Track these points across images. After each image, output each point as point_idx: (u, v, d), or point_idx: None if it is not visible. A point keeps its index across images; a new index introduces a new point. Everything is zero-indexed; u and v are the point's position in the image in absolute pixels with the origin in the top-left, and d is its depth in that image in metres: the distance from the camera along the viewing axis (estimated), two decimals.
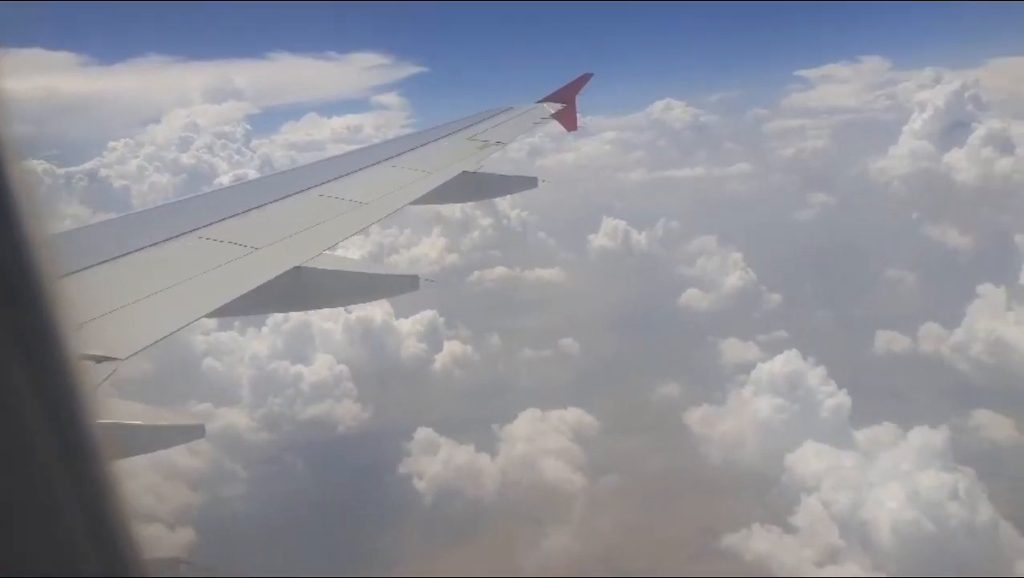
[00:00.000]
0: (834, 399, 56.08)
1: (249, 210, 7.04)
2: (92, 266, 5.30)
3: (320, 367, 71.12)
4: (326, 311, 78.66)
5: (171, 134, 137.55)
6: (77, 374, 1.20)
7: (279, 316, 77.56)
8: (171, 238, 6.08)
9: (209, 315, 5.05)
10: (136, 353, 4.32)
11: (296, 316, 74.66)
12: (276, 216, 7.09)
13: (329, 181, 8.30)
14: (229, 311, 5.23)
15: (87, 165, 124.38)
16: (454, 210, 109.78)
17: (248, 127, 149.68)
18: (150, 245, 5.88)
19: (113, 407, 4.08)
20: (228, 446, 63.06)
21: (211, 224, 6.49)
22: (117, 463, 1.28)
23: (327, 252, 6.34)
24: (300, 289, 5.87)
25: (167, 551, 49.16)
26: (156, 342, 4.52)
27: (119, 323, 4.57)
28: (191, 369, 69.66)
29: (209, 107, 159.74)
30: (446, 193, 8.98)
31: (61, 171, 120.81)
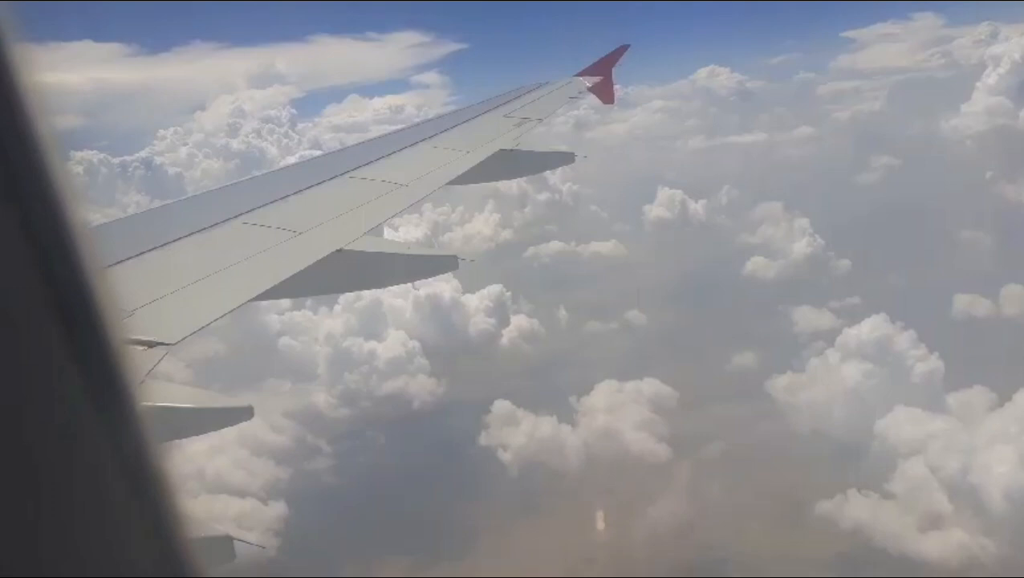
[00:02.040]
0: (925, 364, 54.83)
1: (291, 195, 7.07)
2: (141, 254, 5.36)
3: (393, 343, 71.80)
4: (396, 288, 79.56)
5: (218, 120, 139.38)
6: (123, 363, 1.17)
7: (351, 294, 78.67)
8: (217, 224, 6.13)
9: (255, 299, 5.09)
10: (186, 337, 4.34)
11: (367, 294, 75.33)
12: (317, 200, 7.14)
13: (368, 163, 8.30)
14: (274, 294, 5.30)
15: (141, 154, 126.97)
16: (510, 186, 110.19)
17: (293, 111, 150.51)
18: (196, 232, 5.93)
19: (165, 391, 4.08)
20: (309, 422, 64.37)
21: (255, 209, 6.52)
22: (166, 453, 1.26)
23: (368, 234, 6.32)
24: (343, 271, 5.89)
25: (255, 526, 50.41)
26: (205, 326, 4.56)
27: (169, 309, 4.63)
28: (268, 348, 71.02)
29: (254, 92, 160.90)
30: (484, 171, 8.93)
31: (116, 160, 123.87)
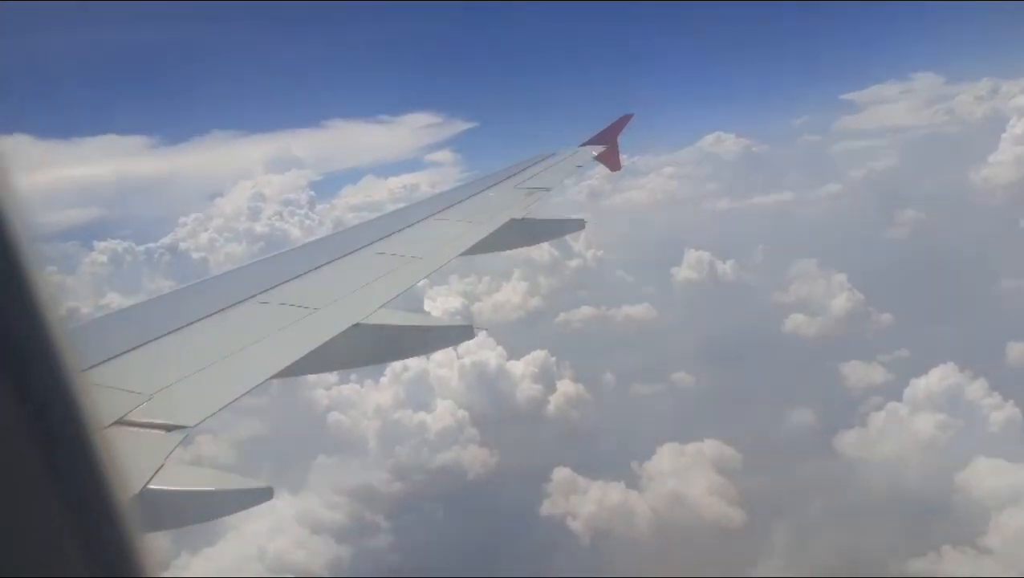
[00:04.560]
0: (1000, 412, 53.67)
1: (307, 272, 7.21)
2: (161, 337, 5.48)
3: (442, 414, 70.72)
4: (439, 357, 79.01)
5: (239, 205, 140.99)
6: (96, 447, 1.26)
7: (398, 365, 77.94)
8: (234, 305, 6.22)
9: (273, 377, 5.13)
10: (205, 419, 4.38)
11: (414, 364, 74.85)
12: (333, 276, 7.26)
13: (382, 238, 8.45)
14: (293, 372, 5.32)
15: (165, 240, 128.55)
16: (542, 254, 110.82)
17: (312, 193, 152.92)
18: (214, 313, 6.02)
19: (184, 475, 4.06)
20: (364, 498, 62.70)
21: (271, 288, 6.62)
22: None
23: (387, 307, 6.41)
24: (360, 346, 5.96)
25: None
26: (224, 407, 4.60)
27: (188, 391, 4.67)
28: (317, 424, 69.99)
29: (273, 177, 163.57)
30: (496, 241, 9.04)
31: (141, 248, 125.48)
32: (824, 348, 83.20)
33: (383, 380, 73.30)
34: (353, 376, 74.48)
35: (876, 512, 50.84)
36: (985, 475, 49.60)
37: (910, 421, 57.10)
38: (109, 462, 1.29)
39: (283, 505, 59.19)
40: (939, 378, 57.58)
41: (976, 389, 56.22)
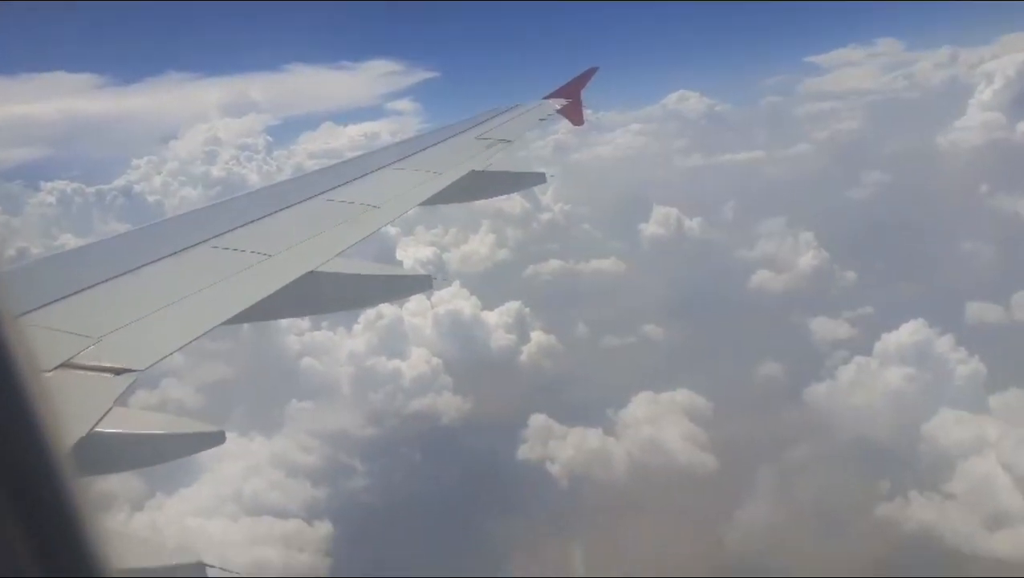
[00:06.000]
0: (966, 366, 55.64)
1: (262, 218, 7.12)
2: (110, 279, 5.35)
3: (416, 361, 70.59)
4: (413, 306, 78.53)
5: (193, 149, 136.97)
6: (31, 395, 1.24)
7: (371, 312, 77.25)
8: (186, 249, 6.15)
9: (226, 322, 5.08)
10: (155, 363, 4.34)
11: (388, 311, 74.24)
12: (288, 223, 7.21)
13: (340, 185, 8.40)
14: (246, 318, 5.31)
15: (118, 183, 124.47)
16: (513, 206, 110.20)
17: (269, 138, 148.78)
18: (166, 256, 5.94)
19: (135, 418, 4.06)
20: (338, 442, 62.60)
21: (224, 233, 6.55)
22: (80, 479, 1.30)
23: (339, 256, 6.40)
24: (315, 293, 5.96)
25: (305, 547, 48.60)
26: (174, 351, 4.57)
27: (137, 335, 4.60)
28: (290, 369, 69.23)
29: (229, 121, 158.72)
30: (456, 192, 9.03)
31: (91, 189, 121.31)
32: (790, 304, 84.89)
33: (356, 327, 72.86)
34: (325, 322, 73.75)
35: (845, 459, 52.63)
36: (950, 426, 51.57)
37: (879, 374, 58.89)
38: (47, 411, 1.23)
39: (257, 447, 58.80)
40: (908, 334, 59.33)
41: (942, 345, 58.10)
